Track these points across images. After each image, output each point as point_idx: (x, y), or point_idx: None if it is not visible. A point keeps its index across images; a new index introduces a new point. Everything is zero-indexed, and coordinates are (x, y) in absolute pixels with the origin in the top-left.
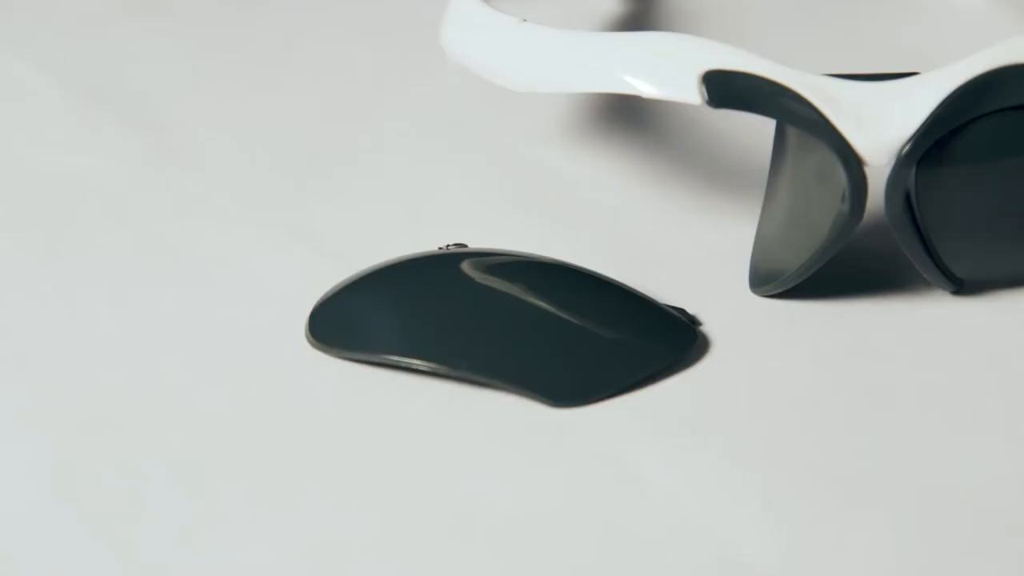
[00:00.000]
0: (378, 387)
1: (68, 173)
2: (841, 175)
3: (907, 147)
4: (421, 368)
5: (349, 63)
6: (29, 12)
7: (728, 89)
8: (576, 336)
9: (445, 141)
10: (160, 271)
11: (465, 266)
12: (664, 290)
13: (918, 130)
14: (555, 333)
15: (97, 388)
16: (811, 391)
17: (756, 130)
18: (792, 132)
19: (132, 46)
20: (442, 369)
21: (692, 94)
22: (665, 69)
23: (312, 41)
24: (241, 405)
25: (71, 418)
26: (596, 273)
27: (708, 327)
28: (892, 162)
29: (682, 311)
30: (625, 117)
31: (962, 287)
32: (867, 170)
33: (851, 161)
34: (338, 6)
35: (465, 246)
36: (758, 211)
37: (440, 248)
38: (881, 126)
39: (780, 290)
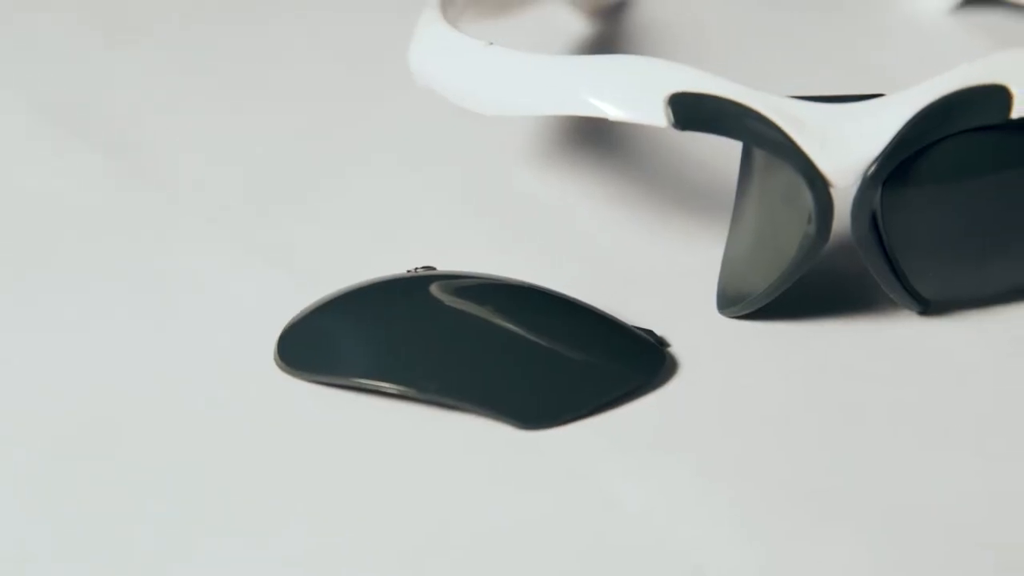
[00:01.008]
0: (347, 410)
1: (42, 193)
2: (807, 196)
3: (872, 168)
4: (390, 391)
5: (319, 85)
6: (6, 40)
7: (694, 111)
8: (544, 358)
9: (413, 163)
10: (130, 291)
11: (434, 289)
12: (632, 312)
13: (883, 151)
14: (523, 355)
15: (61, 410)
16: (781, 410)
17: (723, 151)
18: (758, 154)
19: (108, 71)
20: (411, 392)
21: (658, 116)
22: (631, 92)
23: (283, 63)
24: (210, 428)
25: (36, 439)
26: (564, 295)
27: (676, 348)
28: (858, 183)
29: (650, 332)
30: (594, 139)
31: (928, 307)
32: (833, 191)
33: (817, 183)
34: (310, 28)
35: (433, 269)
36: (725, 232)
37: (409, 271)
38: (846, 147)
39: (748, 311)
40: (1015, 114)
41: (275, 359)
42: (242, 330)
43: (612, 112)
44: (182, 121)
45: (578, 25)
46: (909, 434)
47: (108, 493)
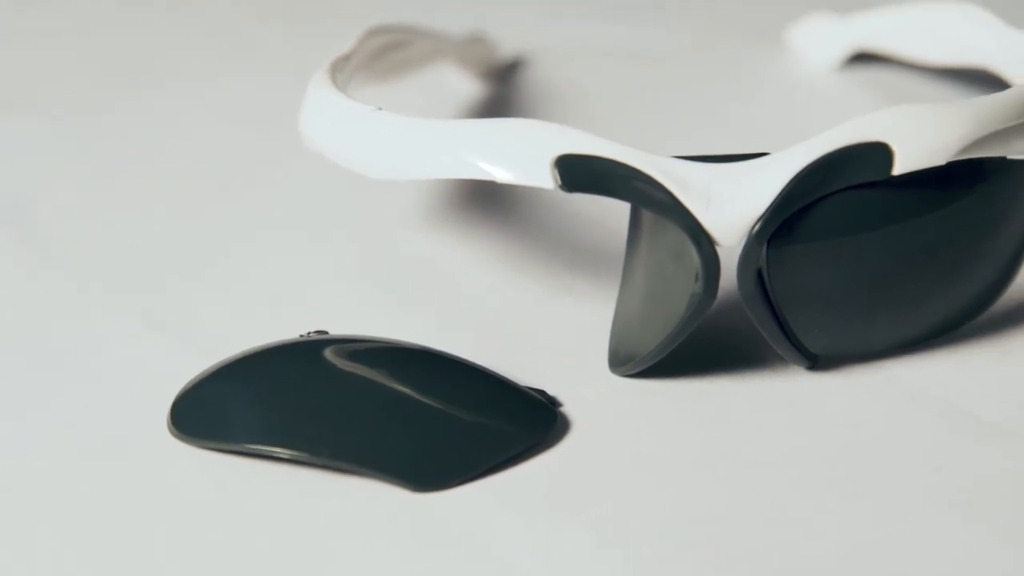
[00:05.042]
0: (240, 476)
1: None
2: (693, 255)
3: (757, 226)
4: (283, 456)
5: (210, 152)
6: None
7: (580, 173)
8: (436, 420)
9: (306, 228)
10: (19, 359)
11: (326, 353)
12: (524, 372)
13: (767, 209)
14: (415, 418)
15: None
16: (673, 466)
17: (612, 211)
18: (646, 214)
19: None
20: (304, 456)
21: (545, 179)
22: (517, 155)
23: (175, 130)
24: (102, 496)
25: None
26: (456, 357)
27: (568, 407)
28: (743, 241)
29: (542, 392)
30: (484, 201)
31: (816, 362)
32: (720, 249)
33: (702, 241)
34: (203, 94)
35: (326, 333)
36: (616, 292)
37: (301, 335)
38: (731, 206)
39: (639, 369)
40: (897, 170)
41: (168, 427)
42: (135, 398)
43: (499, 175)
44: (71, 191)
45: (468, 87)
46: (800, 487)
47: None
